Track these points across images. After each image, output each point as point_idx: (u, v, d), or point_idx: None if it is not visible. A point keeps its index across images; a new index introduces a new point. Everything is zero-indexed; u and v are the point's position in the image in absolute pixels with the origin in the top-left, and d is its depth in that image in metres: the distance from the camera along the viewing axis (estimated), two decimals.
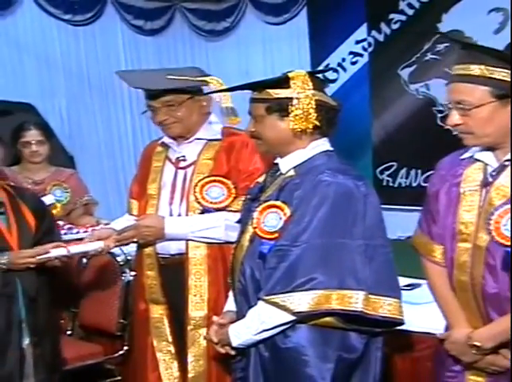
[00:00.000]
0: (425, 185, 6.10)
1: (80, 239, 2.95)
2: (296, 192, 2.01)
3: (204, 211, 2.68)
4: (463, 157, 1.99)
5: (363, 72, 6.44)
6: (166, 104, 2.67)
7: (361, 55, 6.49)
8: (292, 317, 1.94)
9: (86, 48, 6.37)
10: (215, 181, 2.67)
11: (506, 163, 1.89)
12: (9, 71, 5.92)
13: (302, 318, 1.95)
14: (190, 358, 2.72)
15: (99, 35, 6.44)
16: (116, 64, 6.44)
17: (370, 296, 1.93)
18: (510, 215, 1.83)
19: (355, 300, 1.91)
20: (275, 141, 2.09)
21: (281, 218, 2.01)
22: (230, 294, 2.25)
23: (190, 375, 2.73)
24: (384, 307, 1.96)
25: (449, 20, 5.76)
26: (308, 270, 1.92)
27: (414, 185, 6.04)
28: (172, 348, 2.79)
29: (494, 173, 1.90)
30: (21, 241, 2.67)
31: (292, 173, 2.08)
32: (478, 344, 1.90)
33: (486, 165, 1.93)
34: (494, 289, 1.87)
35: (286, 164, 2.11)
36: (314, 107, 2.02)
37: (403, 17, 6.12)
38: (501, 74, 1.81)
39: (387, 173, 6.23)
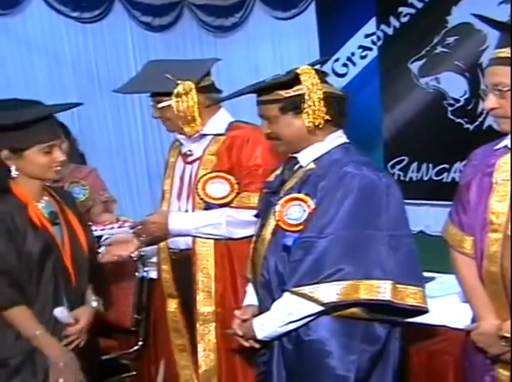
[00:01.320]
0: (437, 179, 6.10)
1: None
2: (320, 183, 2.03)
3: (207, 207, 2.67)
4: (497, 147, 1.97)
5: (373, 66, 6.40)
6: (156, 104, 2.68)
7: (370, 49, 6.46)
8: (320, 308, 1.96)
9: (95, 45, 6.39)
10: (217, 176, 2.65)
11: None
12: (18, 69, 5.94)
13: (329, 309, 1.96)
14: (200, 353, 2.73)
15: (108, 32, 6.45)
16: (125, 61, 6.46)
17: (397, 285, 1.95)
18: None
19: (384, 290, 1.93)
20: (293, 138, 2.10)
21: (304, 210, 2.03)
22: (249, 288, 2.26)
23: (202, 369, 2.74)
24: (410, 296, 1.97)
25: (459, 12, 5.73)
26: (336, 262, 1.94)
27: (425, 179, 6.01)
28: (186, 342, 2.81)
29: None
30: (74, 255, 2.38)
31: (312, 165, 2.10)
32: (507, 335, 1.88)
33: None
34: None
35: (306, 157, 2.12)
36: (324, 99, 2.04)
37: (412, 11, 6.09)
38: None
39: (398, 167, 6.20)
